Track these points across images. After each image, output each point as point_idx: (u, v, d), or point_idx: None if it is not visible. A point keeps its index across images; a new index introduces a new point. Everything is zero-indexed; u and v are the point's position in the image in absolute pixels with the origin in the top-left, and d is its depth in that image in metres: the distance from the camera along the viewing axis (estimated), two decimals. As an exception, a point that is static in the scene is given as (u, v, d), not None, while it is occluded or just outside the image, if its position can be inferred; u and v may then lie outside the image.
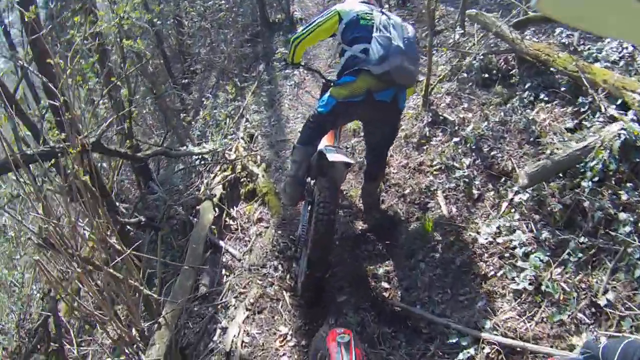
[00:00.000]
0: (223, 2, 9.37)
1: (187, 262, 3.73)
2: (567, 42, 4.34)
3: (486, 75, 4.70)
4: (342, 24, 3.43)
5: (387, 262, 3.72)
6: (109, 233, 3.04)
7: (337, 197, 3.49)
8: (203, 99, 8.91)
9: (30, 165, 3.01)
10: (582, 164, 3.10)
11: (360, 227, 4.16)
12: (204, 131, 6.81)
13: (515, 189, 3.46)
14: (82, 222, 2.95)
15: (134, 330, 3.10)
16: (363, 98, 3.25)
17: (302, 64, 3.85)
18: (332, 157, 3.25)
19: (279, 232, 4.24)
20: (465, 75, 4.77)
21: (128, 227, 4.41)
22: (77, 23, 5.02)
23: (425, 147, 4.40)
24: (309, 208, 3.72)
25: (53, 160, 3.13)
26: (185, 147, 5.29)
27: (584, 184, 3.01)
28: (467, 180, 3.78)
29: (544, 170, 3.06)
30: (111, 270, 2.98)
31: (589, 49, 4.10)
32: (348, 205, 4.40)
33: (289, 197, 3.66)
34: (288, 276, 3.87)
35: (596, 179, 3.02)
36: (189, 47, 9.88)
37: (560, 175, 3.26)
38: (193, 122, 7.87)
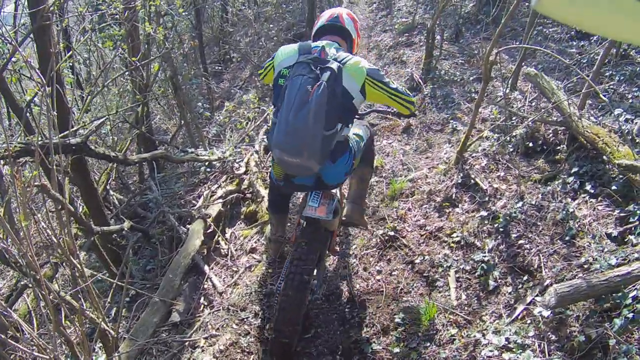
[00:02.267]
0: (273, -5, 9.04)
1: (159, 292, 3.37)
2: (626, 129, 3.85)
3: (530, 144, 4.24)
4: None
5: (379, 337, 3.33)
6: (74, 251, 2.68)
7: (314, 254, 2.90)
8: (232, 90, 8.59)
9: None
10: (619, 294, 2.64)
11: (358, 287, 3.76)
12: (221, 131, 6.44)
13: (536, 293, 3.02)
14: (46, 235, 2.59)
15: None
16: (284, 183, 2.84)
17: None
18: (308, 209, 2.81)
19: (270, 271, 3.85)
20: (507, 138, 4.31)
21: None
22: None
23: (447, 212, 3.96)
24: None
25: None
26: (192, 150, 4.92)
27: (616, 321, 2.55)
28: (485, 266, 3.34)
29: (576, 293, 2.60)
30: (68, 297, 2.65)
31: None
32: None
33: (270, 252, 3.62)
34: (268, 326, 3.49)
35: (631, 315, 2.56)
36: (229, 35, 9.54)
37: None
38: (215, 115, 7.52)
